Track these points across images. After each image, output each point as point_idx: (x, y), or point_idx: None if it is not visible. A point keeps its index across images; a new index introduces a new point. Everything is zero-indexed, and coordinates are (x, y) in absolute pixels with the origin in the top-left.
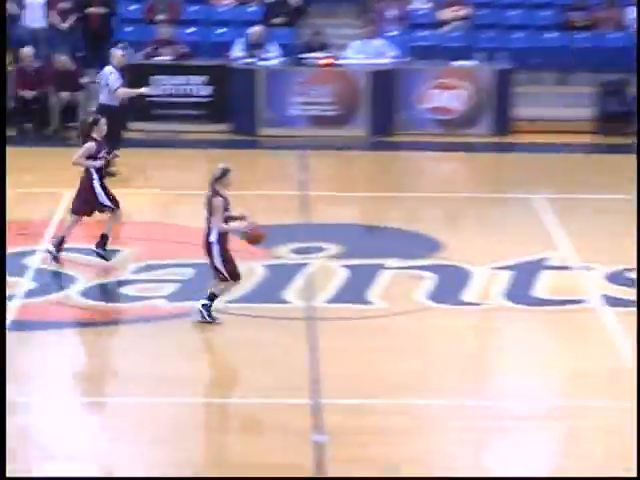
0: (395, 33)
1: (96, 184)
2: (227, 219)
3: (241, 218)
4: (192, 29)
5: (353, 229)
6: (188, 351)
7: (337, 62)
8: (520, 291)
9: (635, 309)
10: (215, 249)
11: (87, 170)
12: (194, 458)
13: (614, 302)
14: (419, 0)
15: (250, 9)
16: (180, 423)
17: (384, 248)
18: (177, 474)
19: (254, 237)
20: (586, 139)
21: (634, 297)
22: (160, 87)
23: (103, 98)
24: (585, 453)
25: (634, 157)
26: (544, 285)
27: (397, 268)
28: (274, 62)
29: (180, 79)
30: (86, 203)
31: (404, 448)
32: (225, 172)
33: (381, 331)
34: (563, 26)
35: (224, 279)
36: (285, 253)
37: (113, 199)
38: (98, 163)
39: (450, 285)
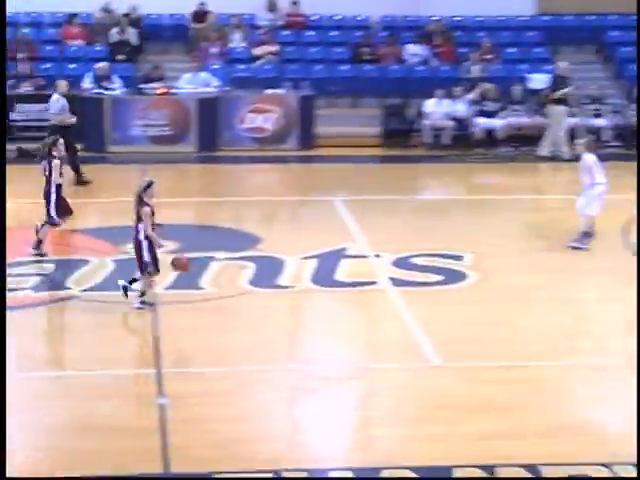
0: (217, 67)
1: (53, 197)
2: (153, 225)
3: (160, 225)
4: (48, 65)
5: (188, 229)
6: (49, 333)
7: (171, 91)
8: (324, 276)
9: (416, 288)
10: (144, 245)
11: (49, 183)
12: (56, 424)
13: (399, 283)
14: (236, 39)
15: (97, 48)
16: (43, 394)
17: (214, 243)
18: (44, 439)
19: (180, 266)
20: (374, 152)
21: (415, 279)
22: (24, 113)
23: (55, 120)
24: (380, 406)
25: (412, 166)
26: (343, 271)
27: (224, 259)
28: (118, 92)
29: (39, 106)
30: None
31: (231, 407)
32: (150, 184)
33: (213, 312)
34: (354, 60)
35: (149, 272)
36: (131, 249)
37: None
38: (62, 179)
39: (268, 272)
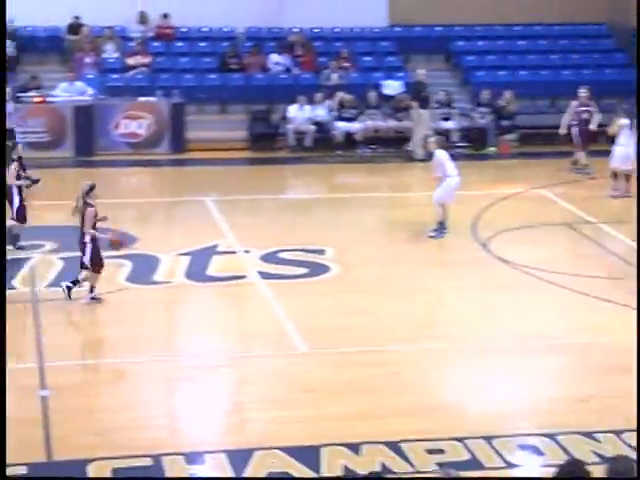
0: (92, 76)
1: (16, 199)
2: (95, 225)
3: (103, 219)
4: None
5: (66, 229)
6: None
7: (48, 99)
8: (197, 271)
9: (283, 281)
10: (88, 248)
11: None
12: None
13: (267, 277)
14: (110, 50)
15: None
16: None
17: None
18: None
19: (115, 244)
20: (242, 154)
21: (282, 272)
22: None
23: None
24: (252, 392)
25: (277, 167)
26: (215, 266)
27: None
28: None
29: None
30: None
31: (111, 398)
32: (92, 187)
33: (92, 307)
34: (221, 69)
35: (91, 271)
36: (14, 250)
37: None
38: (23, 182)
39: (144, 269)
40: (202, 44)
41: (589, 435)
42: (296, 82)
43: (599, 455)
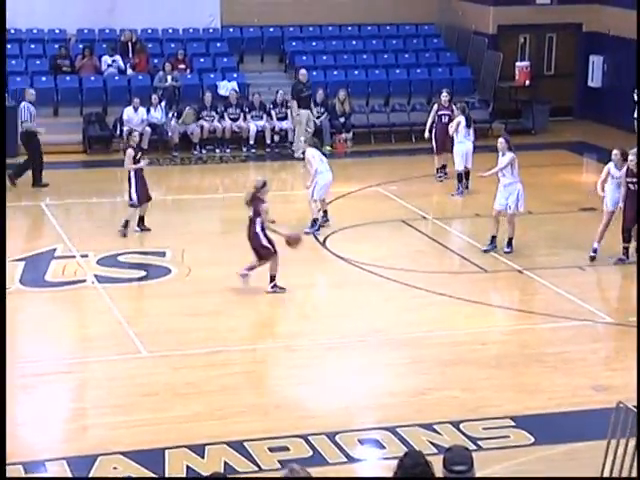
0: None
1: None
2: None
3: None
4: None
5: None
6: None
7: None
8: (35, 277)
9: (122, 284)
10: (261, 236)
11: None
12: None
13: (106, 280)
14: None
15: None
16: None
17: None
18: None
19: (295, 241)
20: (77, 158)
21: (121, 275)
22: None
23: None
24: (92, 397)
25: (114, 169)
26: (53, 271)
27: None
28: None
29: None
30: None
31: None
32: (264, 183)
33: None
34: (53, 72)
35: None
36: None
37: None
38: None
39: None
40: (33, 46)
41: (428, 427)
42: (130, 84)
43: (437, 446)
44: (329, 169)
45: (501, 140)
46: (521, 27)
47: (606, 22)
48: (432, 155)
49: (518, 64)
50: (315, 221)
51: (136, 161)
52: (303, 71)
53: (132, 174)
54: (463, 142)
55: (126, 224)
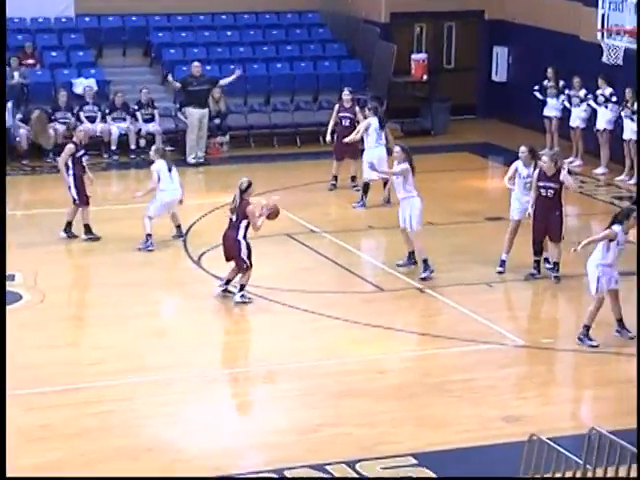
0: None
1: None
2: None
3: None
4: None
5: None
6: None
7: None
8: None
9: None
10: (243, 245)
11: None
12: None
13: None
14: None
15: None
16: None
17: None
18: None
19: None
20: None
21: None
22: None
23: None
24: None
25: None
26: None
27: None
28: None
29: None
30: None
31: None
32: (250, 184)
33: None
34: None
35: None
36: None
37: None
38: None
39: None
40: None
41: (320, 468)
42: None
43: None
44: (177, 188)
45: (397, 149)
46: (417, 15)
47: (511, 9)
48: (321, 161)
49: (414, 56)
50: (148, 237)
51: (76, 160)
52: (196, 63)
53: (70, 172)
54: (375, 147)
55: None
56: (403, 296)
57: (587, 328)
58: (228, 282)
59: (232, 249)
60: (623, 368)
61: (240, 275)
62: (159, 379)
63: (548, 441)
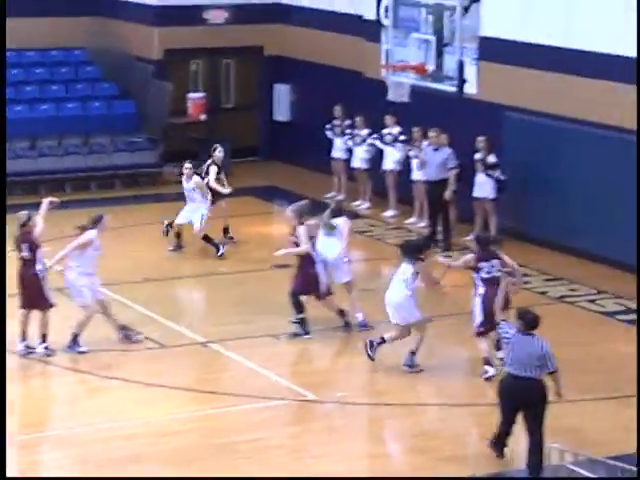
0: None
1: None
2: None
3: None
4: None
5: None
6: None
7: None
8: None
9: None
10: None
11: None
12: None
13: None
14: None
15: None
16: None
17: None
18: None
19: None
20: None
21: None
22: None
23: None
24: None
25: None
26: None
27: None
28: None
29: None
30: None
31: None
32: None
33: None
34: None
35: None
36: None
37: None
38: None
39: None
40: None
41: None
42: None
43: None
44: None
45: (187, 165)
46: (192, 51)
47: (291, 45)
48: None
49: (190, 96)
50: None
51: None
52: None
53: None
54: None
55: None
56: (185, 352)
57: None
58: (44, 338)
59: (30, 288)
60: (417, 421)
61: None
62: None
63: None
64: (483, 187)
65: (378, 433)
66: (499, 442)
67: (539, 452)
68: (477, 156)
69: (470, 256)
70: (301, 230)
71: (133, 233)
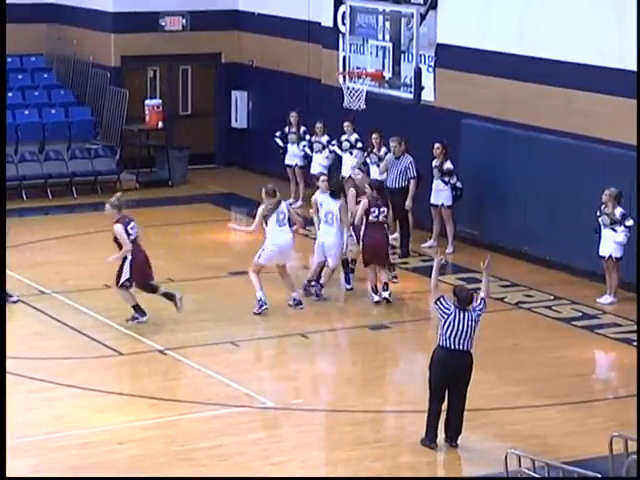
0: None
1: None
2: None
3: None
4: None
5: None
6: None
7: None
8: None
9: None
10: None
11: None
12: None
13: None
14: None
15: None
16: None
17: None
18: None
19: None
20: None
21: None
22: None
23: None
24: None
25: None
26: None
27: None
28: None
29: None
30: None
31: None
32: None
33: None
34: None
35: None
36: None
37: None
38: None
39: None
40: None
41: None
42: None
43: None
44: None
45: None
46: (149, 58)
47: (248, 51)
48: (49, 216)
49: (148, 102)
50: None
51: None
52: None
53: None
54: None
55: None
56: (144, 359)
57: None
58: None
59: None
60: (377, 428)
61: None
62: None
63: None
64: (440, 194)
65: (339, 439)
66: (432, 426)
67: (460, 425)
68: (434, 163)
69: None
70: (118, 228)
71: (92, 240)
